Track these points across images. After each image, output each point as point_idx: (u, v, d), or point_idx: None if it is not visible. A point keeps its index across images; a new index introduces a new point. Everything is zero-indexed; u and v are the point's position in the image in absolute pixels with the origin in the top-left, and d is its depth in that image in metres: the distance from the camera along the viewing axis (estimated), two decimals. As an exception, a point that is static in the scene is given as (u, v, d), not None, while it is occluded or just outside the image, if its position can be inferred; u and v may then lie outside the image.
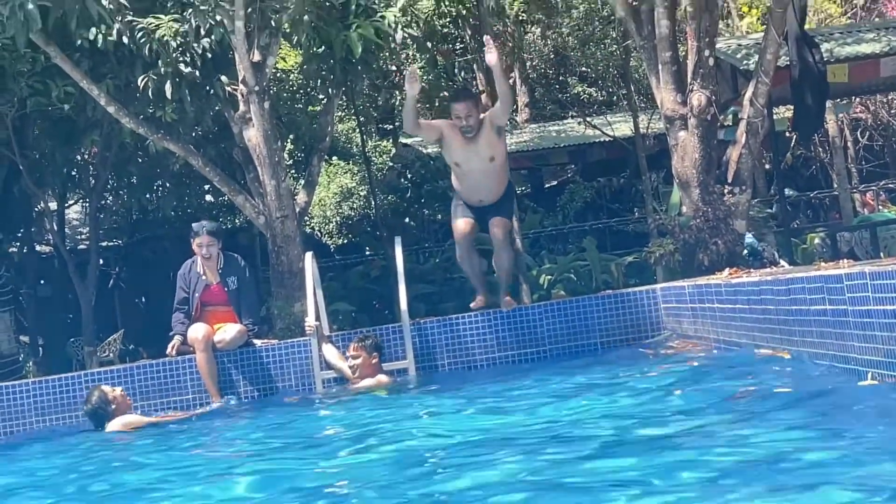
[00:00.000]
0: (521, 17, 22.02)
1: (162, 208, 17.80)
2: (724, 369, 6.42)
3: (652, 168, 18.80)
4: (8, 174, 14.41)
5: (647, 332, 8.70)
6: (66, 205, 18.00)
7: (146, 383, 8.64)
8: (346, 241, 20.85)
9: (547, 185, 24.69)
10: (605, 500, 3.64)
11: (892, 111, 22.24)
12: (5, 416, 8.64)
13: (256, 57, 10.46)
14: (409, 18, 11.96)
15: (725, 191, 9.42)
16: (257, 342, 8.87)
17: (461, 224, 8.76)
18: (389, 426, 6.07)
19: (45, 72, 11.49)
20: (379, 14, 11.32)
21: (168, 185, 17.30)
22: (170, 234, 17.56)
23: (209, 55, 10.86)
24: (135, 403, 8.23)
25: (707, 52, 9.57)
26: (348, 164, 20.93)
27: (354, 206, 20.34)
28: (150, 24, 10.46)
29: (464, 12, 18.06)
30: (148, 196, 17.86)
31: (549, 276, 15.75)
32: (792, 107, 12.46)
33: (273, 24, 10.58)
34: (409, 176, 19.71)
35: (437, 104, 19.60)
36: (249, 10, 10.18)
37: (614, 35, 20.40)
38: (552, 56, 25.76)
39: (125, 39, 10.58)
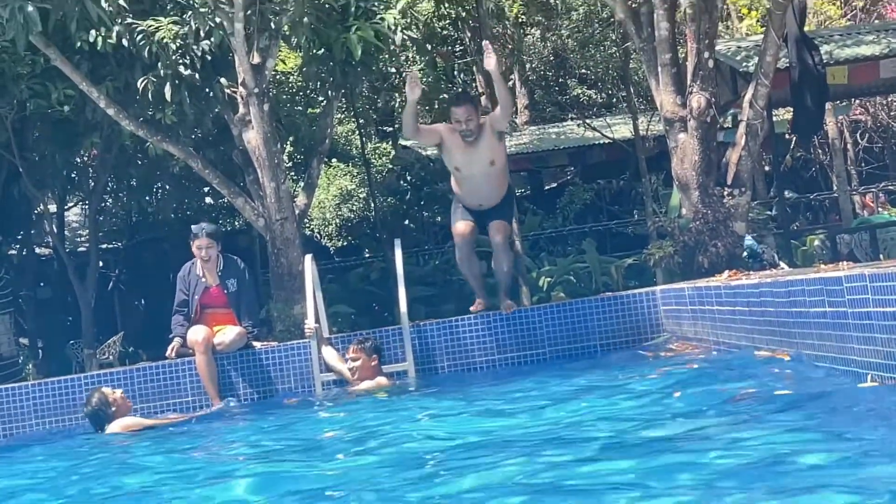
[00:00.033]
0: (520, 20, 22.06)
1: (161, 210, 17.81)
2: (723, 371, 6.42)
3: (651, 170, 18.81)
4: (8, 176, 14.42)
5: (647, 335, 8.70)
6: (66, 207, 18.01)
7: (146, 385, 8.63)
8: (345, 244, 20.87)
9: (546, 187, 24.71)
10: (605, 503, 3.64)
11: (892, 113, 22.24)
12: (5, 418, 8.64)
13: (256, 59, 10.46)
14: (408, 20, 11.96)
15: (725, 193, 9.43)
16: (257, 344, 8.86)
17: (461, 227, 8.75)
18: (389, 428, 6.07)
19: (45, 74, 11.49)
20: (378, 16, 11.30)
21: (168, 187, 17.31)
22: (169, 237, 17.57)
23: (209, 57, 10.86)
24: (134, 406, 8.23)
25: (707, 54, 9.58)
26: (348, 166, 20.94)
27: (354, 208, 20.35)
28: (150, 26, 10.46)
29: (463, 14, 18.10)
30: (147, 198, 17.86)
31: (549, 279, 15.74)
32: (791, 109, 12.47)
33: (272, 26, 10.57)
34: (408, 178, 19.72)
35: (436, 106, 19.60)
36: (249, 12, 10.17)
37: (614, 37, 20.43)
38: (552, 58, 25.79)
39: (125, 42, 10.58)
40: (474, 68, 21.30)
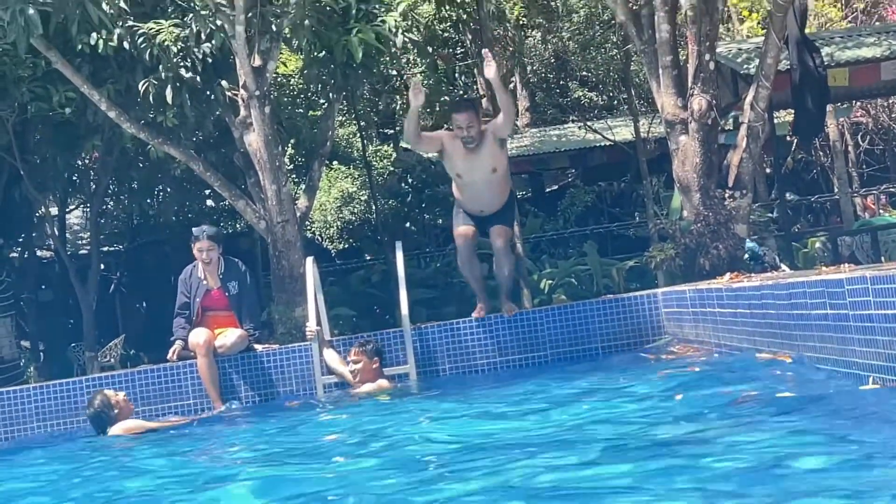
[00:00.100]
0: (521, 22, 22.06)
1: (163, 213, 17.80)
2: (725, 374, 6.41)
3: (653, 172, 18.80)
4: (9, 179, 14.41)
5: (649, 337, 8.70)
6: (67, 210, 18.02)
7: (147, 388, 8.64)
8: (346, 246, 20.86)
9: (548, 190, 24.71)
10: (607, 506, 3.65)
11: (893, 115, 22.23)
12: (7, 421, 8.64)
13: (257, 62, 10.46)
14: (409, 23, 11.95)
15: (726, 195, 9.43)
16: (258, 347, 8.87)
17: (462, 230, 8.75)
18: (390, 431, 6.07)
19: (46, 77, 11.49)
20: (379, 19, 11.31)
21: (169, 189, 17.30)
22: (171, 239, 17.56)
23: (210, 60, 10.87)
24: (136, 408, 8.24)
25: (707, 57, 9.58)
26: (349, 168, 20.93)
27: (355, 210, 20.34)
28: (151, 29, 10.47)
29: (464, 17, 18.08)
30: (149, 201, 17.86)
31: (550, 281, 15.75)
32: (793, 111, 12.46)
33: (274, 28, 10.58)
34: (409, 181, 19.71)
35: (437, 109, 19.60)
36: (250, 14, 10.18)
37: (615, 39, 20.43)
38: (553, 60, 25.80)
39: (126, 44, 10.59)
40: (475, 71, 21.32)
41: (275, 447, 6.35)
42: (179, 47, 10.62)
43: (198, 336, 8.62)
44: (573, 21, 21.99)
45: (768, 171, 20.47)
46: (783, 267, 10.74)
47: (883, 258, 13.28)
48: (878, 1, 21.72)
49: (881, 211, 20.29)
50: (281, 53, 12.59)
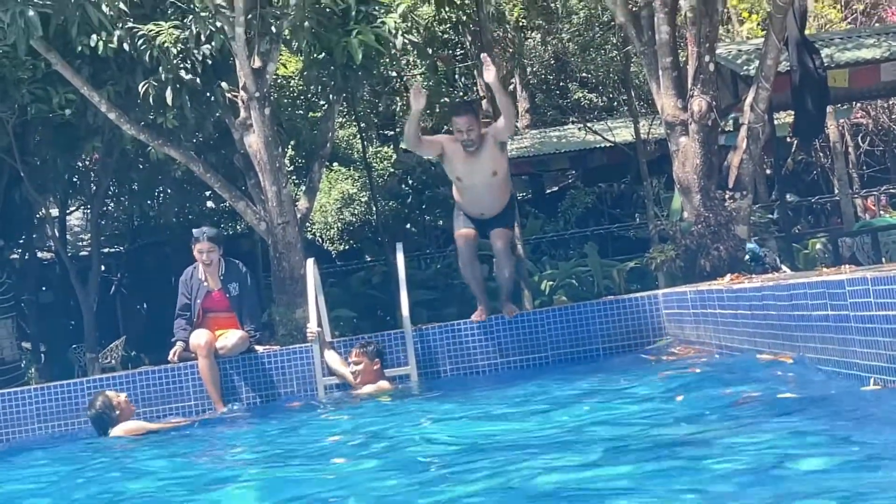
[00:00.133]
0: (521, 23, 22.07)
1: (163, 214, 17.81)
2: (725, 375, 6.41)
3: (653, 173, 18.82)
4: (9, 181, 14.43)
5: (649, 338, 8.70)
6: (68, 211, 18.03)
7: (148, 390, 8.64)
8: (347, 248, 20.88)
9: (548, 191, 24.73)
10: (608, 507, 3.65)
11: (893, 116, 22.23)
12: (8, 422, 8.64)
13: (257, 63, 10.47)
14: (409, 24, 11.95)
15: (727, 196, 9.43)
16: (259, 348, 8.87)
17: (462, 233, 8.74)
18: (391, 432, 6.07)
19: (46, 78, 11.50)
20: (379, 20, 11.32)
21: (169, 191, 17.32)
22: (171, 241, 17.58)
23: (210, 62, 10.87)
24: (137, 410, 8.23)
25: (707, 58, 9.58)
26: (349, 170, 20.95)
27: (356, 212, 20.36)
28: (151, 30, 10.48)
29: (464, 18, 18.06)
30: (149, 202, 17.88)
31: (551, 282, 15.76)
32: (793, 112, 12.47)
33: (273, 30, 10.58)
34: (410, 182, 19.72)
35: (437, 110, 19.60)
36: (250, 16, 10.18)
37: (614, 41, 20.43)
38: (552, 62, 25.80)
39: (126, 46, 10.60)
40: (475, 72, 21.29)
41: (276, 448, 6.35)
42: (179, 49, 10.63)
43: (199, 337, 8.62)
44: (573, 22, 21.99)
45: (769, 172, 20.47)
46: (784, 268, 10.75)
47: (884, 259, 13.27)
48: (878, 2, 21.72)
49: (881, 212, 20.28)
50: (281, 55, 12.60)
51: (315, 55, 11.81)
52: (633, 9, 10.72)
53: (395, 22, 11.35)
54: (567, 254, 18.42)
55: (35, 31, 9.75)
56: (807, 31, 12.60)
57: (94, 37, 10.42)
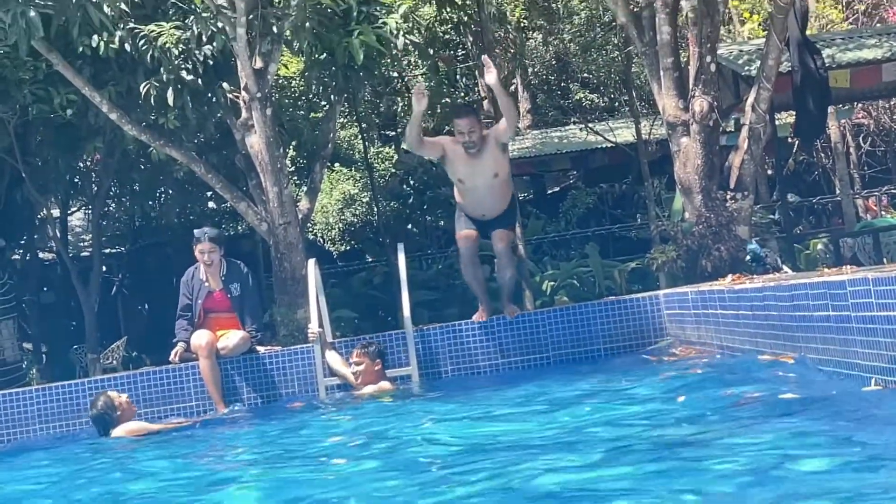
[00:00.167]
0: (522, 24, 22.07)
1: (165, 215, 17.82)
2: (727, 375, 6.41)
3: (654, 174, 18.82)
4: (11, 181, 14.44)
5: (651, 339, 8.69)
6: (69, 212, 18.04)
7: (149, 390, 8.64)
8: (348, 248, 20.87)
9: (549, 192, 24.71)
10: (609, 507, 3.65)
11: (894, 117, 22.23)
12: (9, 423, 8.64)
13: (258, 64, 10.47)
14: (410, 25, 11.96)
15: (728, 197, 9.43)
16: (260, 349, 8.87)
17: (464, 235, 8.71)
18: (393, 433, 6.07)
19: (48, 79, 11.51)
20: (381, 21, 11.32)
21: (171, 191, 17.33)
22: (172, 241, 17.57)
23: (211, 62, 10.88)
24: (138, 410, 8.23)
25: (709, 58, 9.58)
26: (351, 170, 20.95)
27: (357, 212, 20.36)
28: (152, 31, 10.48)
29: (465, 19, 18.08)
30: (150, 203, 17.89)
31: (552, 283, 15.76)
32: (794, 112, 12.47)
33: (275, 30, 10.58)
34: (411, 182, 19.73)
35: (438, 111, 19.61)
36: (251, 16, 10.18)
37: (616, 41, 20.44)
38: (554, 62, 25.80)
39: (127, 47, 10.60)
40: (476, 73, 21.30)
41: (277, 449, 6.35)
42: (181, 49, 10.64)
43: (200, 338, 8.63)
44: (574, 23, 21.99)
45: (770, 172, 20.46)
46: (785, 268, 10.73)
47: (885, 259, 13.27)
48: (879, 2, 21.72)
49: (883, 212, 20.28)
50: (282, 55, 12.60)
51: (316, 56, 11.81)
52: (635, 9, 10.72)
53: (397, 22, 11.35)
54: (568, 254, 18.42)
55: (36, 32, 9.76)
56: (808, 32, 12.60)
57: (95, 37, 10.43)
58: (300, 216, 11.18)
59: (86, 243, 20.18)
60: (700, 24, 9.63)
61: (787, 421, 4.74)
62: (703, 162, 9.49)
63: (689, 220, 9.70)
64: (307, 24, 10.64)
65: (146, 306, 19.61)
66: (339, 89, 12.27)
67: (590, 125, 21.51)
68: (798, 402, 5.09)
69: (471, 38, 20.09)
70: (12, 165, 13.83)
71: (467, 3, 16.96)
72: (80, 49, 10.52)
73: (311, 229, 18.90)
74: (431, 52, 18.61)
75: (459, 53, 22.96)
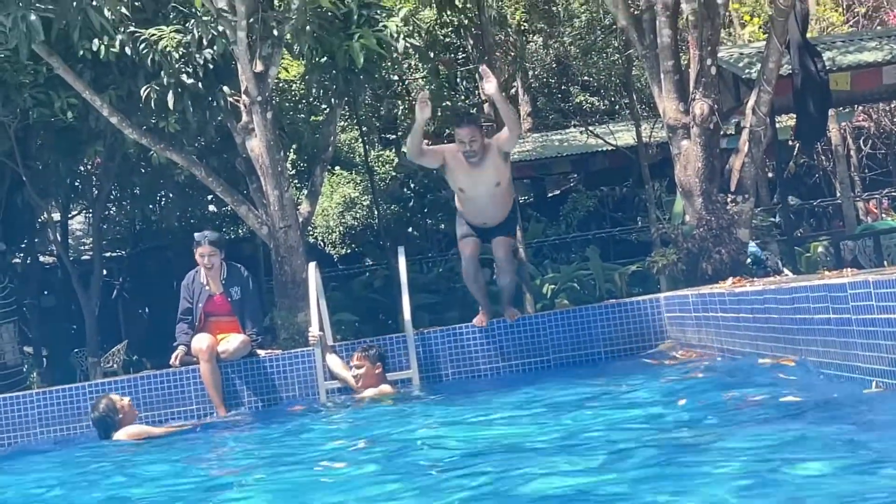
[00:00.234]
0: (522, 27, 22.07)
1: (165, 219, 17.82)
2: (727, 378, 6.41)
3: (655, 177, 18.80)
4: (11, 185, 14.44)
5: (651, 342, 8.68)
6: (70, 215, 18.03)
7: (150, 394, 8.64)
8: (349, 251, 20.87)
9: (550, 195, 24.71)
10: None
11: (895, 119, 22.23)
12: (9, 426, 8.64)
13: (259, 67, 10.47)
14: (411, 28, 11.96)
15: (728, 199, 9.42)
16: (261, 352, 8.87)
17: (466, 245, 8.68)
18: (393, 436, 6.07)
19: (48, 83, 11.52)
20: (381, 24, 11.33)
21: (171, 195, 17.32)
22: (173, 245, 17.57)
23: (211, 66, 10.88)
24: (139, 414, 8.23)
25: (709, 61, 9.57)
26: (351, 173, 20.95)
27: (357, 215, 20.35)
28: (153, 35, 10.49)
29: (466, 22, 18.09)
30: (151, 206, 17.89)
31: (553, 286, 15.77)
32: (794, 115, 12.47)
33: (275, 34, 10.59)
34: (412, 186, 19.73)
35: (438, 114, 19.62)
36: (252, 20, 10.18)
37: (616, 44, 20.43)
38: (554, 65, 25.80)
39: (128, 50, 10.61)
40: (477, 76, 21.30)
41: (277, 452, 6.35)
42: (181, 53, 10.64)
43: (200, 341, 8.63)
44: (574, 26, 21.99)
45: (770, 175, 20.47)
46: (786, 271, 10.75)
47: (885, 262, 13.27)
48: (880, 5, 21.74)
49: (883, 215, 20.30)
50: (283, 59, 12.61)
51: (317, 59, 11.81)
52: (635, 12, 10.71)
53: (397, 26, 11.36)
54: (569, 257, 18.43)
55: (37, 36, 9.75)
56: (808, 35, 12.60)
57: (95, 41, 10.44)
58: (301, 219, 11.18)
59: (86, 247, 20.18)
60: (700, 27, 9.62)
61: (788, 424, 4.74)
62: (703, 165, 9.48)
63: (689, 223, 9.70)
64: (307, 27, 10.65)
65: (147, 310, 19.62)
66: (339, 93, 12.28)
67: (590, 128, 21.52)
68: (799, 404, 5.09)
69: (471, 42, 20.08)
70: (13, 169, 13.84)
71: (468, 6, 16.98)
72: (81, 53, 10.52)
73: (311, 233, 18.91)
74: (432, 55, 18.61)
75: (460, 57, 22.95)
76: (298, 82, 16.51)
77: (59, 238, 16.24)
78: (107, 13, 10.19)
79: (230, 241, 15.28)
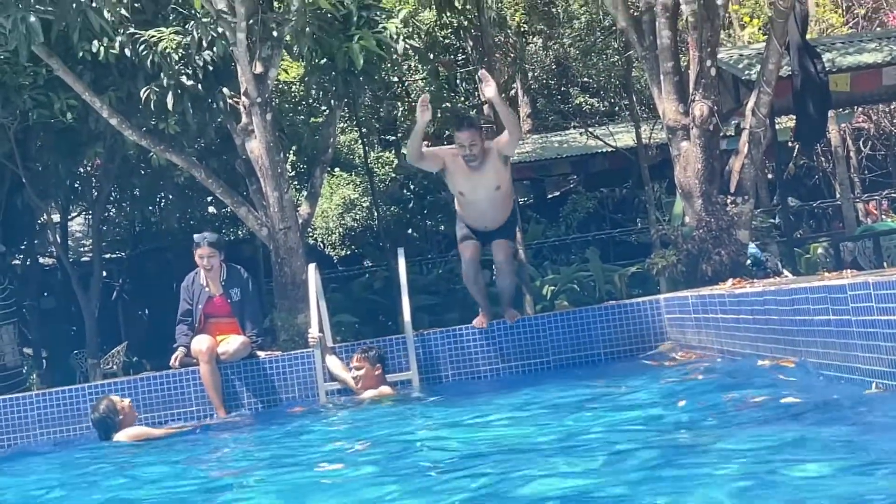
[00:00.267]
0: (522, 28, 22.06)
1: (165, 220, 17.84)
2: (727, 380, 6.41)
3: (654, 178, 18.81)
4: (11, 186, 14.45)
5: (651, 343, 8.68)
6: (70, 217, 18.05)
7: (150, 395, 8.63)
8: (349, 253, 20.88)
9: (550, 196, 24.73)
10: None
11: (895, 120, 22.24)
12: (9, 428, 8.64)
13: (258, 69, 10.48)
14: (410, 30, 11.97)
15: (728, 201, 9.42)
16: (261, 354, 8.86)
17: (466, 248, 8.67)
18: (393, 438, 6.07)
19: (48, 84, 11.52)
20: (381, 25, 11.33)
21: (171, 196, 17.34)
22: (173, 246, 17.59)
23: (211, 67, 10.88)
24: (139, 415, 8.23)
25: (709, 63, 9.57)
26: (351, 175, 20.97)
27: (357, 217, 20.36)
28: (153, 36, 10.49)
29: (465, 23, 18.09)
30: (151, 208, 17.92)
31: (553, 287, 15.77)
32: (794, 117, 12.47)
33: (275, 35, 10.59)
34: (411, 187, 19.74)
35: (438, 116, 19.62)
36: (251, 21, 10.19)
37: (616, 45, 20.43)
38: (554, 67, 25.80)
39: (127, 52, 10.62)
40: (476, 78, 21.31)
41: (277, 454, 6.35)
42: (181, 55, 10.64)
43: (200, 343, 8.63)
44: (574, 27, 21.98)
45: (770, 176, 20.47)
46: (785, 272, 10.75)
47: (885, 263, 13.26)
48: (879, 6, 21.74)
49: (883, 216, 20.30)
50: (282, 60, 12.61)
51: (316, 60, 11.82)
52: (635, 13, 10.71)
53: (397, 27, 11.36)
54: (569, 259, 18.43)
55: (37, 37, 9.76)
56: (808, 36, 12.61)
57: (95, 42, 10.45)
58: (300, 221, 11.18)
59: (86, 248, 20.19)
60: (700, 29, 9.62)
61: (787, 425, 4.74)
62: (703, 166, 9.48)
63: (689, 224, 9.70)
64: (307, 28, 10.65)
65: (146, 311, 19.62)
66: (339, 94, 12.28)
67: (590, 129, 21.53)
68: (799, 406, 5.08)
69: (471, 43, 20.09)
70: (13, 171, 13.85)
71: (467, 7, 16.97)
72: (81, 54, 10.53)
73: (311, 234, 18.91)
74: (431, 56, 18.62)
75: (460, 58, 22.96)
76: (298, 84, 16.52)
77: (58, 239, 16.25)
78: (106, 15, 10.19)
79: (230, 243, 15.26)
